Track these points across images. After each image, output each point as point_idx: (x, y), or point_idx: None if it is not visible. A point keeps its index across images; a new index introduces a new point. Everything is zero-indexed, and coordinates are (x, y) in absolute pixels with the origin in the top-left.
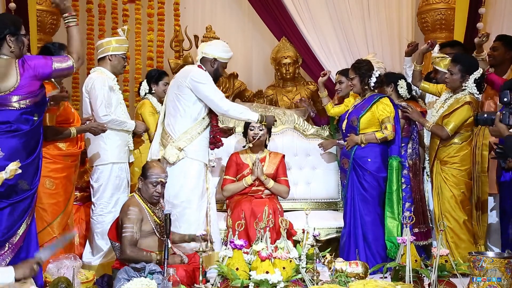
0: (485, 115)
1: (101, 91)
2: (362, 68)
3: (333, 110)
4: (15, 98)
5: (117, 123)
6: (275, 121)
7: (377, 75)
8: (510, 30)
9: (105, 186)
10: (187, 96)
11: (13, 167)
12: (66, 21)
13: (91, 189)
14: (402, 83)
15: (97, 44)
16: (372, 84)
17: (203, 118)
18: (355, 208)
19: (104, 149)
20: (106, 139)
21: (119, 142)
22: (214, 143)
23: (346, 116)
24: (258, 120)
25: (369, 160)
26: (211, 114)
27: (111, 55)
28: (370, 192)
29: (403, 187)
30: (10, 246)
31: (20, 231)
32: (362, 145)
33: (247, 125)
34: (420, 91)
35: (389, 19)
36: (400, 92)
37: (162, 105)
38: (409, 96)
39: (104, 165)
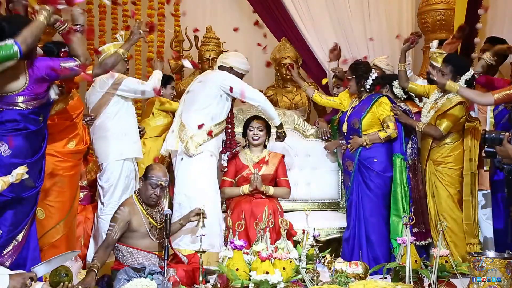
0: (493, 135)
1: (127, 78)
2: (359, 69)
3: (323, 100)
4: (20, 99)
5: (158, 81)
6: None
7: (374, 78)
8: (510, 32)
9: (115, 185)
10: (213, 96)
11: (20, 171)
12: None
13: (101, 189)
14: (397, 84)
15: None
16: (368, 86)
17: (221, 122)
18: (359, 210)
19: (117, 145)
20: (124, 135)
21: (135, 138)
22: (230, 147)
23: (346, 119)
24: (279, 124)
25: (375, 160)
26: (227, 120)
27: None
28: (375, 192)
29: None
30: (16, 243)
31: (24, 231)
32: (367, 146)
33: (246, 126)
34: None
35: (389, 19)
36: (395, 93)
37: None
38: (405, 96)
39: (119, 161)
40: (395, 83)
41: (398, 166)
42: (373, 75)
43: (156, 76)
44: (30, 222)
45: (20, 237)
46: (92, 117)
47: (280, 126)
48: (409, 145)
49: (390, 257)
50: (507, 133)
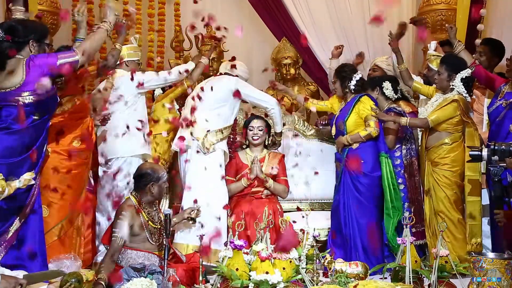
0: (503, 147)
1: (145, 74)
2: (342, 72)
3: (316, 106)
4: (25, 94)
5: (186, 68)
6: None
7: (358, 78)
8: (510, 32)
9: (130, 184)
10: (224, 99)
11: (27, 177)
12: (101, 23)
13: (114, 188)
14: (387, 85)
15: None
16: (352, 87)
17: (229, 126)
18: (350, 213)
19: (128, 141)
20: (135, 132)
21: (143, 139)
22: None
23: (334, 122)
24: (280, 131)
25: (362, 161)
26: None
27: (127, 61)
28: (364, 194)
29: (401, 188)
30: (3, 243)
31: (13, 228)
32: (353, 147)
33: (246, 125)
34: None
35: (390, 19)
36: (386, 94)
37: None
38: (396, 97)
39: (133, 158)
40: (385, 84)
41: (384, 165)
42: (357, 76)
43: (187, 65)
44: (20, 221)
45: (6, 236)
46: (108, 116)
47: (280, 134)
48: (404, 146)
49: (384, 259)
50: None
